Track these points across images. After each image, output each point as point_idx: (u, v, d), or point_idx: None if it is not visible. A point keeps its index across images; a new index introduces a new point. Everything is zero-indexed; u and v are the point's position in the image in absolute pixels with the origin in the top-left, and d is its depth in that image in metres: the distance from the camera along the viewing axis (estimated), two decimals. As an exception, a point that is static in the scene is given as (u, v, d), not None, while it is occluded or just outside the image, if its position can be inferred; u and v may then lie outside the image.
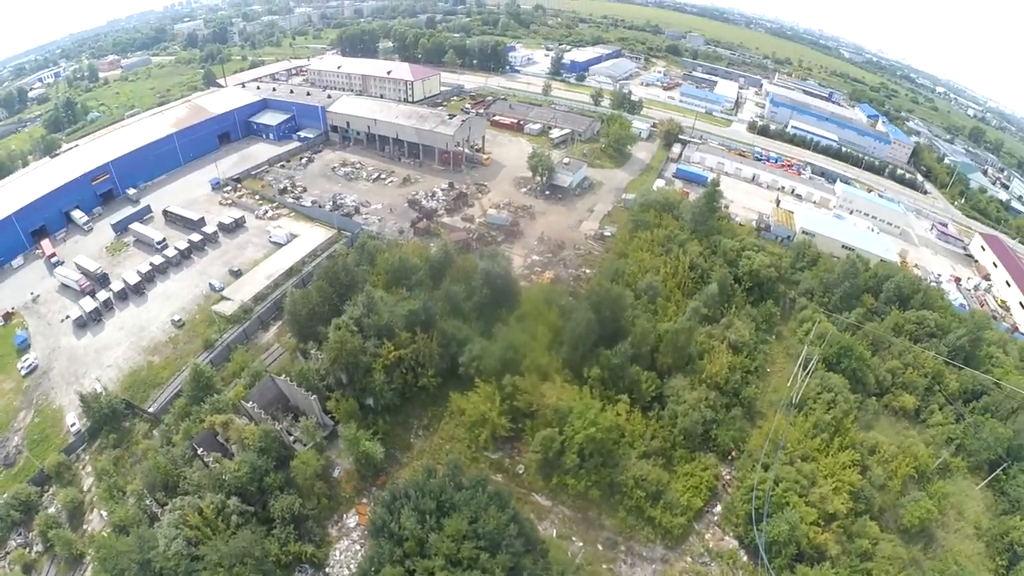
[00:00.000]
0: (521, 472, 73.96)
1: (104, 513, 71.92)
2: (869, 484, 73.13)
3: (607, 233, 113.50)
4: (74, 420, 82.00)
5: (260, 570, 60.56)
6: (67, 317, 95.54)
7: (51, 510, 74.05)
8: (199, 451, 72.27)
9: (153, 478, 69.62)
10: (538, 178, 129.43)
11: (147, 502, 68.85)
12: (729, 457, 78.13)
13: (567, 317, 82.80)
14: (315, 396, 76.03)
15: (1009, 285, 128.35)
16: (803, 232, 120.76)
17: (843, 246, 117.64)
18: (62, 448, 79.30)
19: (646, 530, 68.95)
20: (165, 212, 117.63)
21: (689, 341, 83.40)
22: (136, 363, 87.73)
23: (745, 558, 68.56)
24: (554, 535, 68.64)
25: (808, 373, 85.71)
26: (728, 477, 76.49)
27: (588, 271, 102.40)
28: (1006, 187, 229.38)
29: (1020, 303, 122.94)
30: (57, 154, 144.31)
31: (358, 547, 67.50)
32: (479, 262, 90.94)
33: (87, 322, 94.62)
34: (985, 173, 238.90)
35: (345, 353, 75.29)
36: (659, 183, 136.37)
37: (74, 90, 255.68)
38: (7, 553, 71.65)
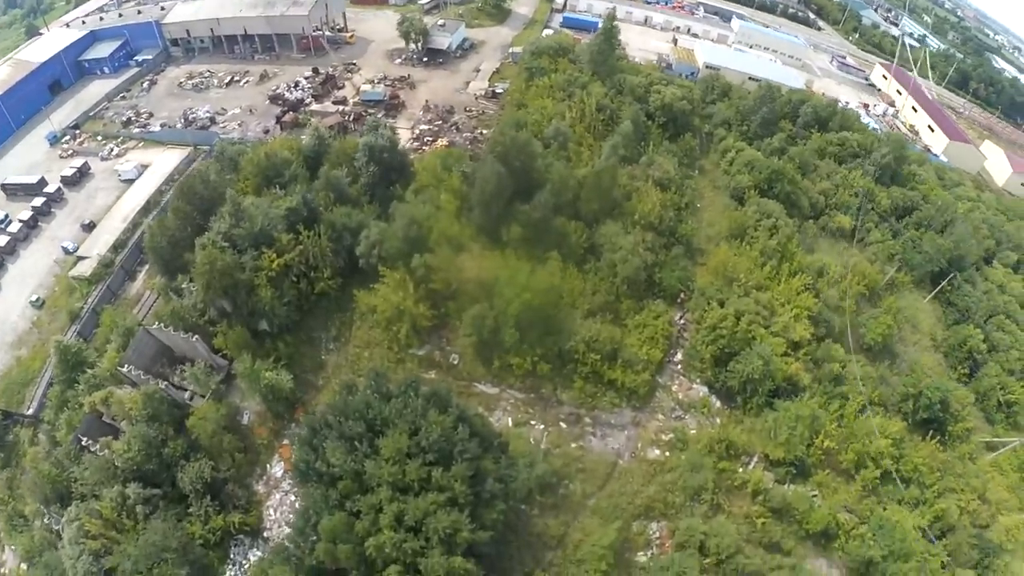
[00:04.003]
0: (456, 363, 63.31)
1: (13, 547, 60.29)
2: (825, 307, 71.90)
3: (499, 90, 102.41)
4: None
5: (186, 560, 50.18)
6: None
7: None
8: (84, 441, 59.05)
9: (43, 490, 57.66)
10: (412, 45, 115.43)
11: (46, 520, 58.22)
12: (679, 300, 70.96)
13: (472, 179, 70.90)
14: (197, 336, 62.87)
15: (916, 111, 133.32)
16: (707, 67, 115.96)
17: (750, 78, 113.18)
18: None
19: (609, 395, 60.92)
20: (2, 187, 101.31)
21: (613, 182, 74.28)
22: (4, 363, 74.48)
23: (718, 404, 63.20)
24: (510, 424, 59.47)
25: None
26: (683, 321, 69.67)
27: (485, 132, 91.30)
28: (895, 25, 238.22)
29: (929, 127, 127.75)
30: None
31: (293, 497, 57.22)
32: (359, 140, 77.59)
33: None
34: (876, 11, 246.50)
35: (218, 274, 61.30)
36: (547, 33, 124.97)
37: None
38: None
